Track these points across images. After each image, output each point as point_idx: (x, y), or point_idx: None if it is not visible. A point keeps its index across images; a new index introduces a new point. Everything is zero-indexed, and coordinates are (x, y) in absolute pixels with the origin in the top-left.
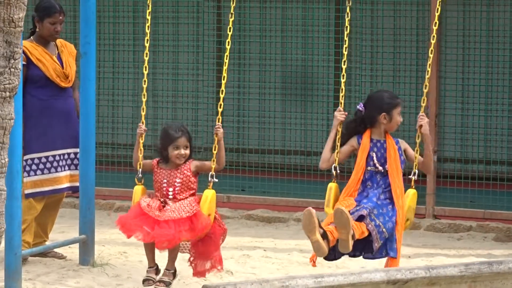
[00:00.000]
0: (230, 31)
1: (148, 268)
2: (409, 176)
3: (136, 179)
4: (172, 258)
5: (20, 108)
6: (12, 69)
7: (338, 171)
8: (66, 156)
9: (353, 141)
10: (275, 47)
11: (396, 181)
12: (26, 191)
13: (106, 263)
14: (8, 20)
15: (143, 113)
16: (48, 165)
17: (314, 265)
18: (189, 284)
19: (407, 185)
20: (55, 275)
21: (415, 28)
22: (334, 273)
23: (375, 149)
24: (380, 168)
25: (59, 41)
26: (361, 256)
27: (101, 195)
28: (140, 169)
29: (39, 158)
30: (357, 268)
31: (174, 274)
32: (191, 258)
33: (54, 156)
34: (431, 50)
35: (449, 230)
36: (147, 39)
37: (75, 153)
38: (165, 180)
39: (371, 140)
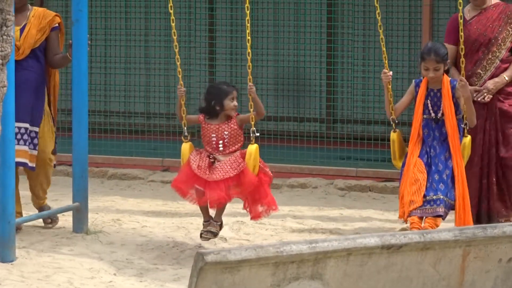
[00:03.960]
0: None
1: (204, 222)
2: (462, 125)
3: (182, 137)
4: (219, 212)
5: (12, 76)
6: (5, 37)
7: (396, 122)
8: (16, 130)
9: (411, 90)
10: (267, 13)
11: (450, 129)
12: None
13: (100, 231)
14: None
15: (180, 76)
16: None
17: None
18: (184, 251)
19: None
20: (49, 243)
21: None
22: (329, 238)
23: (429, 98)
24: (433, 115)
25: (37, 12)
26: None
27: (94, 162)
28: (186, 127)
29: None
30: (351, 234)
31: (221, 226)
32: (246, 205)
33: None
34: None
35: None
36: None
37: (26, 129)
38: (213, 134)
39: (427, 88)
